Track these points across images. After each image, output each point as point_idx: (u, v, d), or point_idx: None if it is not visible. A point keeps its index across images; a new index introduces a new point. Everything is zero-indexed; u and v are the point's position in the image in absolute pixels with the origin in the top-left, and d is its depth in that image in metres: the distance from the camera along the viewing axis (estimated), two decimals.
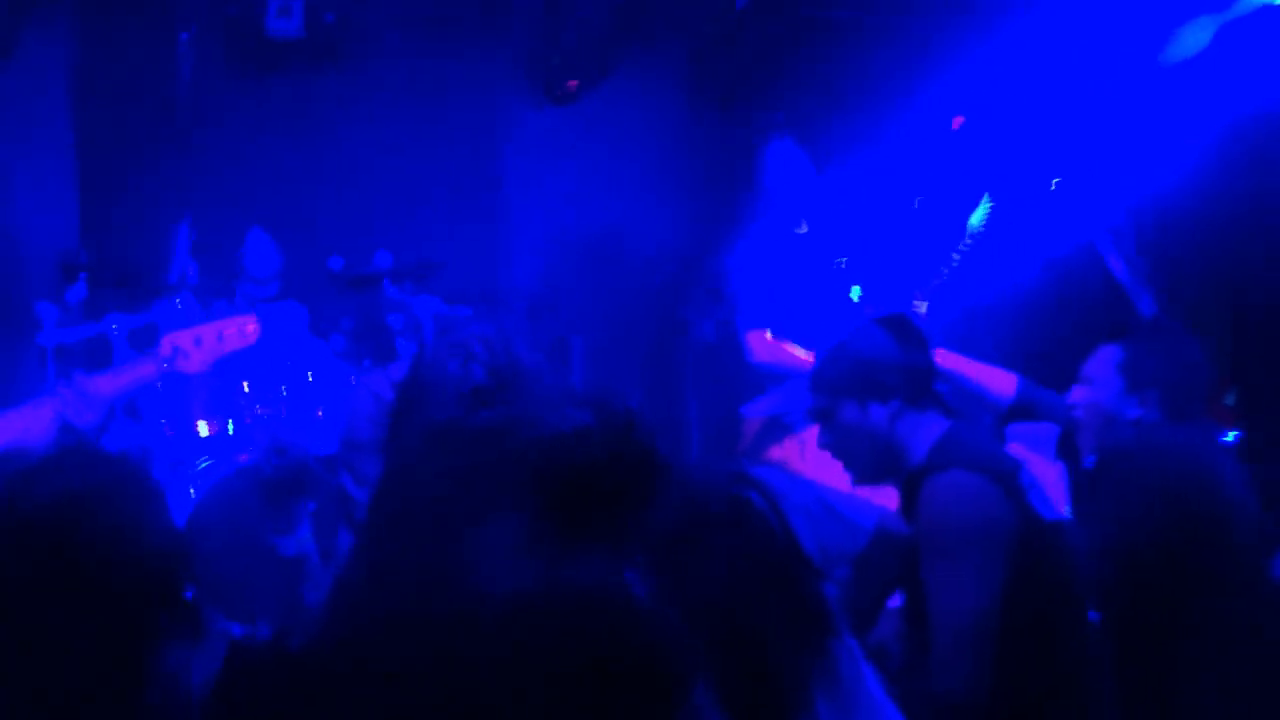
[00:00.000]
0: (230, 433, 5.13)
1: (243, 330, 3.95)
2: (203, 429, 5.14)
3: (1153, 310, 4.27)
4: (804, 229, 4.56)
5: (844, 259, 4.54)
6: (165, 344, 3.76)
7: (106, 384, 3.73)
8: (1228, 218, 5.27)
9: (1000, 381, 3.60)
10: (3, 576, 1.81)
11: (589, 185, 6.57)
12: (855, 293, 4.50)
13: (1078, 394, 3.37)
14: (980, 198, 4.23)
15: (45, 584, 1.79)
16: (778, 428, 4.30)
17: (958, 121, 5.64)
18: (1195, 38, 5.25)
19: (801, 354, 4.24)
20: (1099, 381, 3.30)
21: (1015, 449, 3.34)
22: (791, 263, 4.45)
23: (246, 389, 5.21)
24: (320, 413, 5.29)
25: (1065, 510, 2.97)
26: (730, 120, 6.75)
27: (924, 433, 2.69)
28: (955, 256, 4.18)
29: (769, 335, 4.38)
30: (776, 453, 4.28)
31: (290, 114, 5.97)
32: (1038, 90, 5.67)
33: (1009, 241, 4.38)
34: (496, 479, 1.83)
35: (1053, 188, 4.17)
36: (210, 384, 5.20)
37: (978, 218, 4.11)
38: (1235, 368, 5.20)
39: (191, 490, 4.94)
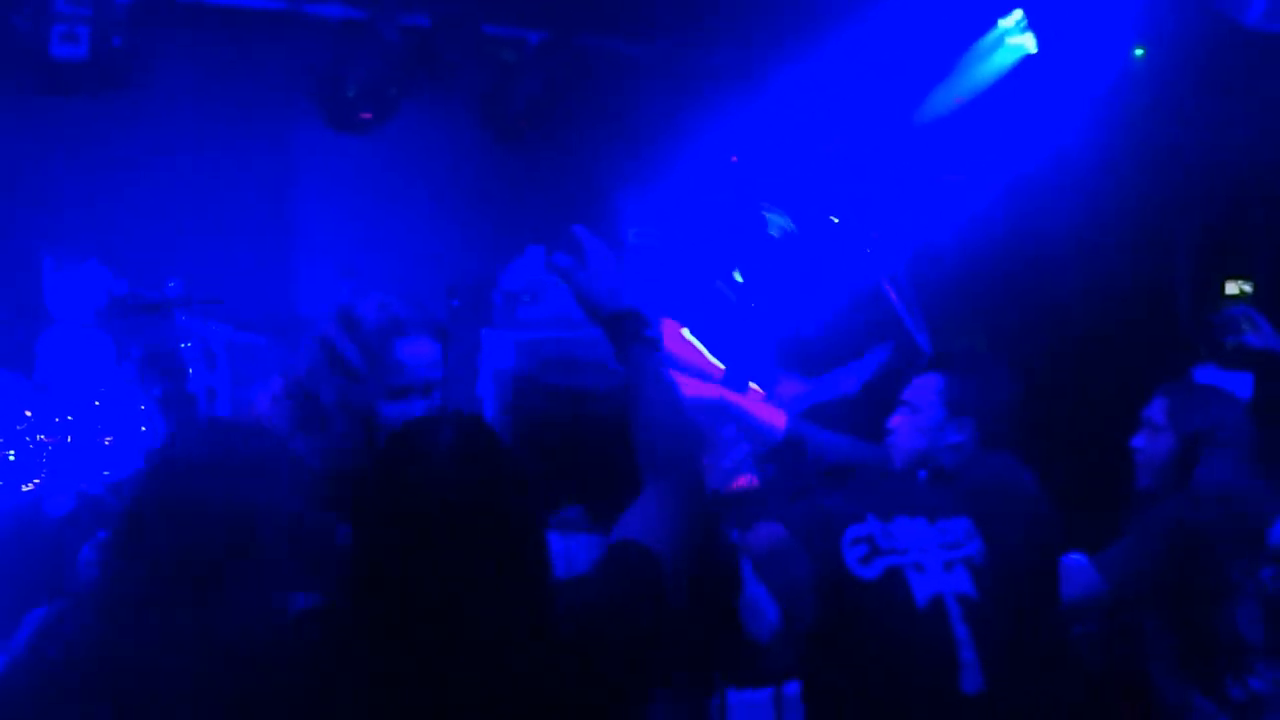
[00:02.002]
0: (11, 461, 5.03)
1: None
2: None
3: (929, 348, 4.60)
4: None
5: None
6: None
7: None
8: (989, 260, 5.73)
9: (773, 416, 3.83)
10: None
11: (380, 212, 6.66)
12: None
13: (898, 419, 3.58)
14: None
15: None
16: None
17: (734, 158, 5.96)
18: (952, 90, 5.71)
19: (712, 360, 4.40)
20: (923, 408, 3.53)
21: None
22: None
23: (29, 416, 5.12)
24: (108, 440, 5.23)
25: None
26: (521, 150, 6.95)
27: None
28: (737, 275, 4.42)
29: (686, 332, 4.52)
30: None
31: (75, 139, 5.87)
32: (813, 131, 6.06)
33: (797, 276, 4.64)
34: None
35: (835, 222, 4.45)
36: None
37: (775, 229, 4.36)
38: None
39: None
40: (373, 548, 1.83)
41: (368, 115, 6.41)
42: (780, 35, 6.25)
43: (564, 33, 6.73)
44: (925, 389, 3.54)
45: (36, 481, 4.96)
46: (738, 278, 4.79)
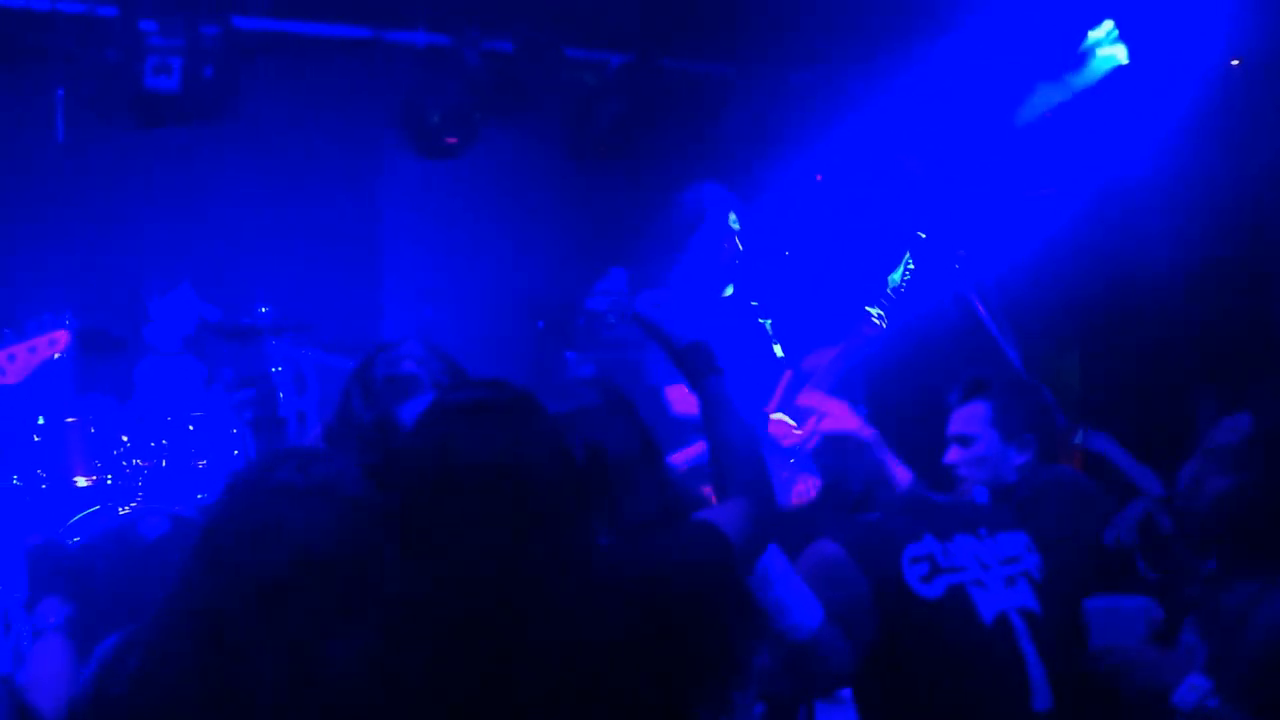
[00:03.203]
0: (109, 484, 5.14)
1: (53, 341, 4.19)
2: (81, 481, 5.14)
3: (1018, 360, 4.53)
4: (730, 291, 4.71)
5: (769, 320, 4.71)
6: None
7: None
8: (1079, 274, 5.63)
9: (899, 471, 3.76)
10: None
11: (465, 236, 6.71)
12: (779, 350, 4.67)
13: (955, 454, 3.55)
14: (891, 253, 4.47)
15: None
16: (700, 477, 4.43)
17: (819, 177, 5.92)
18: (1043, 101, 5.63)
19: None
20: (978, 437, 3.51)
21: None
22: (715, 320, 4.59)
23: (126, 441, 5.23)
24: (202, 464, 5.32)
25: None
26: (604, 172, 6.97)
27: None
28: (877, 313, 4.39)
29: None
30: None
31: (169, 168, 6.00)
32: (899, 147, 6.01)
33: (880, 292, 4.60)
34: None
35: (921, 237, 4.40)
36: (89, 436, 5.21)
37: (897, 276, 4.33)
38: (1084, 410, 5.55)
39: (71, 541, 4.93)
40: (412, 516, 1.87)
41: (452, 140, 6.48)
42: (866, 53, 6.20)
43: (646, 55, 6.74)
44: (975, 419, 3.52)
45: (133, 505, 5.06)
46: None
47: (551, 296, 6.67)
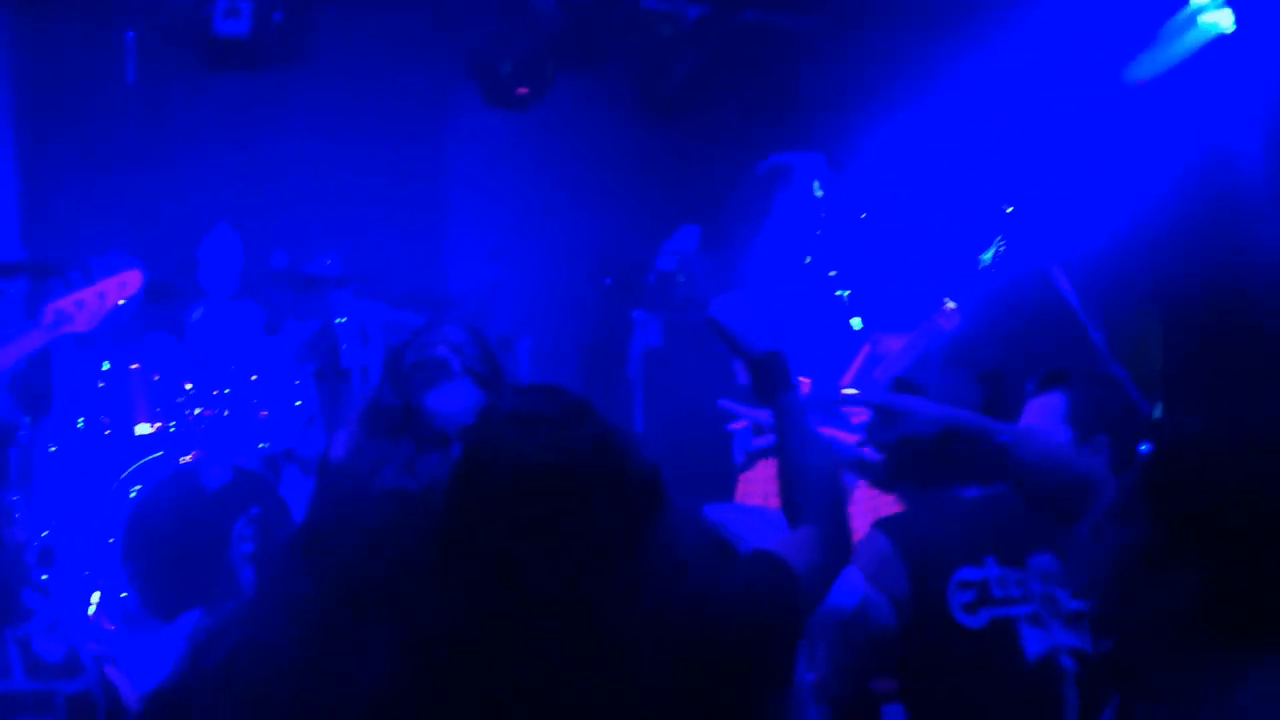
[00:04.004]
0: (171, 432, 5.12)
1: (122, 284, 4.07)
2: (143, 428, 5.13)
3: (1104, 346, 4.35)
4: (809, 260, 4.58)
5: (847, 292, 4.57)
6: (48, 312, 3.86)
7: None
8: (1171, 253, 5.41)
9: None
10: None
11: (533, 191, 6.60)
12: (857, 323, 4.54)
13: None
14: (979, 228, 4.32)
15: None
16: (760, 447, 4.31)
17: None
18: (1141, 69, 5.39)
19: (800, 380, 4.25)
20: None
21: None
22: (794, 290, 4.47)
23: (189, 389, 5.21)
24: (264, 414, 5.29)
25: None
26: (677, 128, 6.82)
27: None
28: (953, 305, 4.25)
29: None
30: (759, 470, 4.31)
31: (236, 113, 5.94)
32: (989, 116, 5.80)
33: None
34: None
35: (1008, 212, 4.22)
36: (152, 383, 5.19)
37: (989, 255, 4.17)
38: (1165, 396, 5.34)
39: (132, 490, 4.92)
40: (472, 530, 1.76)
41: (523, 91, 6.35)
42: (957, 18, 5.97)
43: (725, 7, 6.56)
44: (1049, 412, 3.32)
45: (195, 454, 5.04)
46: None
47: (619, 254, 6.57)
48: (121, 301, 4.11)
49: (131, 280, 4.13)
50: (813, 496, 2.08)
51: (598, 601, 1.71)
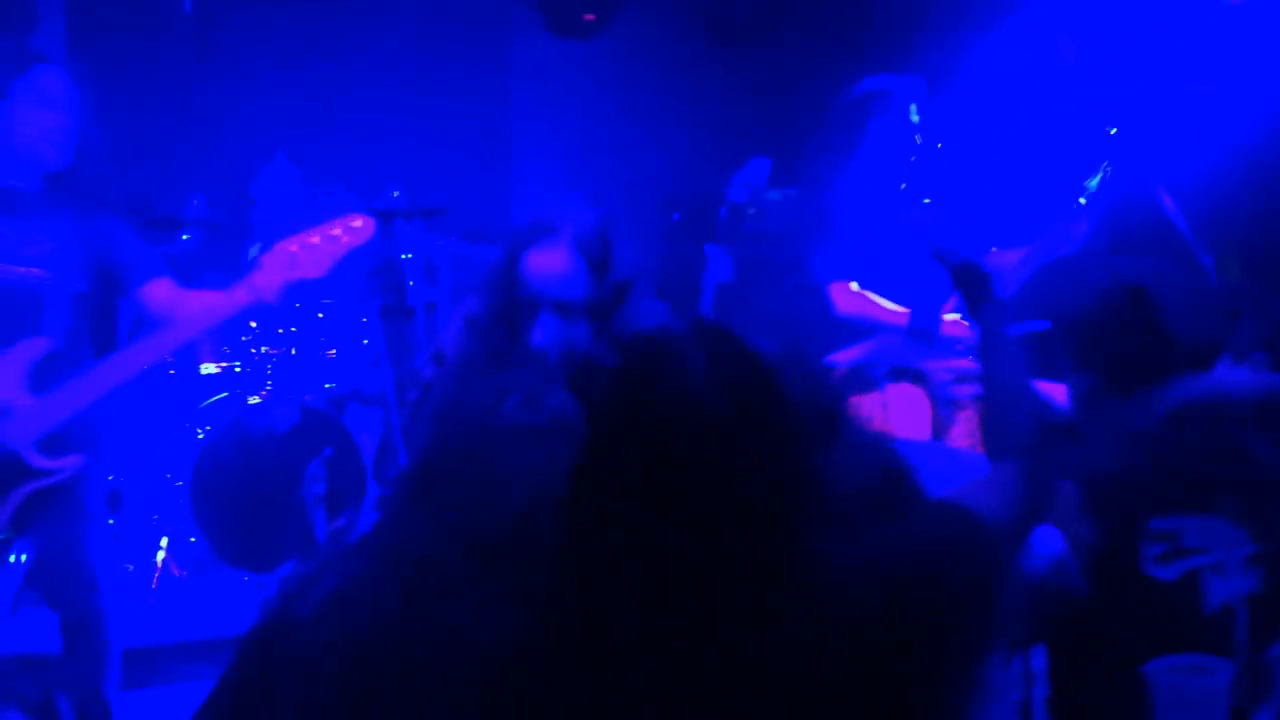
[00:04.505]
0: (238, 372, 4.97)
1: (352, 228, 3.35)
2: (209, 368, 4.98)
3: (1210, 264, 4.12)
4: (904, 186, 4.35)
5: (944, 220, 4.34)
6: (270, 256, 3.23)
7: (208, 310, 3.29)
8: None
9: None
10: None
11: (601, 121, 6.38)
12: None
13: None
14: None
15: None
16: (861, 380, 4.13)
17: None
18: None
19: (891, 307, 4.04)
20: None
21: None
22: (886, 217, 4.25)
23: (254, 327, 5.04)
24: (333, 353, 5.13)
25: None
26: (745, 58, 6.59)
27: None
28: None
29: (855, 286, 4.16)
30: (858, 407, 4.10)
31: (295, 43, 5.74)
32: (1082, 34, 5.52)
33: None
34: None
35: (1111, 134, 3.97)
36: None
37: (1094, 182, 3.95)
38: None
39: (199, 431, 4.78)
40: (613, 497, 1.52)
41: (590, 17, 6.12)
42: None
43: None
44: None
45: (262, 394, 4.89)
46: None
47: (688, 186, 6.35)
48: (357, 246, 3.39)
49: (365, 224, 3.39)
50: (1009, 432, 1.86)
51: (770, 560, 1.49)
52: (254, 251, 5.25)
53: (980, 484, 1.80)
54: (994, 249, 4.27)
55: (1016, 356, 1.96)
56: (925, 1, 6.14)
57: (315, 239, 3.24)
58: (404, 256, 5.29)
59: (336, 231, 3.28)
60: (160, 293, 3.22)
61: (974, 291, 2.04)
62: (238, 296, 3.12)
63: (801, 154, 4.98)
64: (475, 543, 1.67)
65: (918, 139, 4.30)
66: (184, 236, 5.04)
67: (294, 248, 3.20)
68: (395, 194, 5.22)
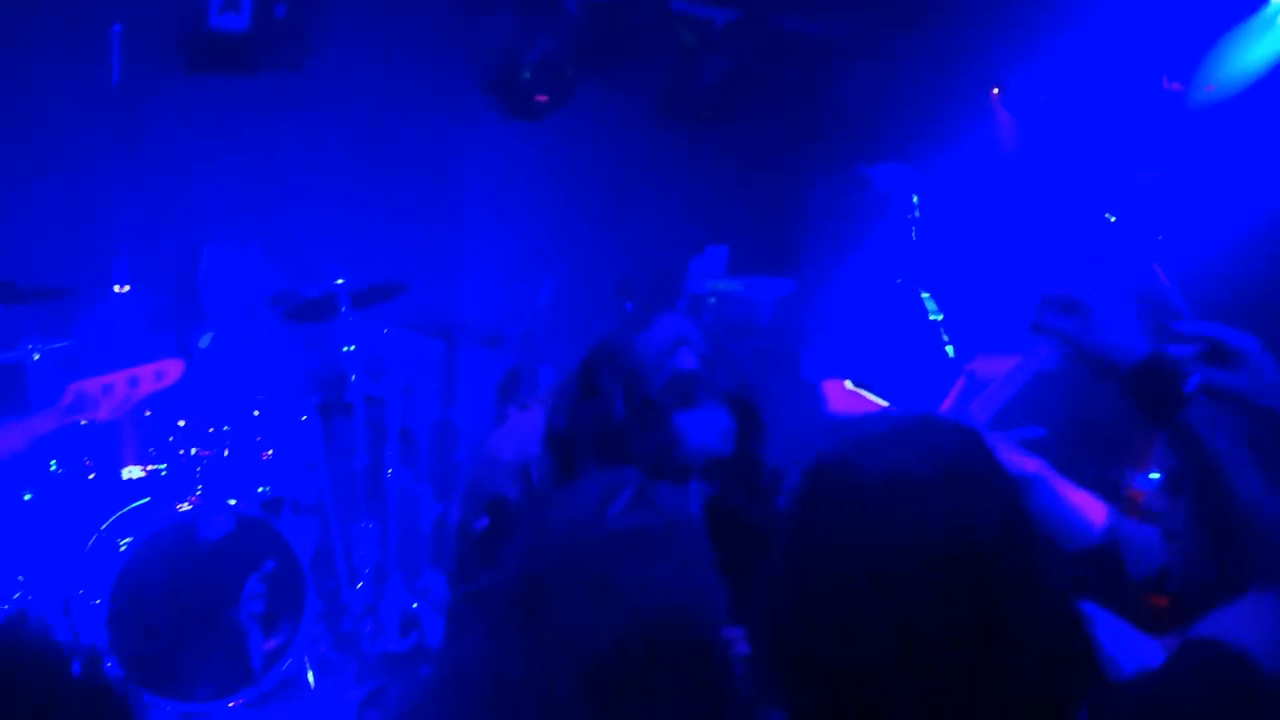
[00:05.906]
0: (164, 476, 4.53)
1: (159, 373, 3.63)
2: (132, 472, 4.53)
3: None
4: (900, 281, 4.15)
5: (941, 316, 4.13)
6: (69, 393, 3.45)
7: (7, 438, 3.43)
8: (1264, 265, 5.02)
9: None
10: None
11: (553, 206, 6.11)
12: (950, 350, 4.10)
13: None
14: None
15: None
16: None
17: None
18: (1222, 74, 5.02)
19: (882, 404, 3.83)
20: None
21: None
22: (884, 311, 4.04)
23: (182, 425, 4.62)
24: (269, 454, 4.71)
25: None
26: (703, 138, 6.39)
27: None
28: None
29: (849, 385, 3.95)
30: None
31: (231, 120, 5.37)
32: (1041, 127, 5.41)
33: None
34: None
35: (1109, 219, 3.82)
36: (142, 420, 4.59)
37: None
38: None
39: (121, 543, 4.32)
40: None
41: (543, 99, 5.86)
42: (1002, 16, 5.57)
43: (754, 12, 6.13)
44: None
45: (191, 500, 4.45)
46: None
47: (643, 275, 6.10)
48: (160, 390, 3.73)
49: (171, 369, 3.71)
50: (1265, 546, 1.53)
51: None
52: (205, 341, 4.86)
53: (1236, 611, 1.49)
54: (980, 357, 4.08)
55: (1245, 461, 1.60)
56: (880, 88, 6.01)
57: (118, 381, 3.44)
58: (345, 349, 4.95)
59: (143, 375, 3.52)
60: None
61: (1168, 393, 1.64)
62: (35, 425, 3.34)
63: (794, 245, 4.79)
64: (595, 672, 1.49)
65: (913, 231, 4.14)
66: None
67: (93, 388, 3.39)
68: (340, 281, 4.87)
